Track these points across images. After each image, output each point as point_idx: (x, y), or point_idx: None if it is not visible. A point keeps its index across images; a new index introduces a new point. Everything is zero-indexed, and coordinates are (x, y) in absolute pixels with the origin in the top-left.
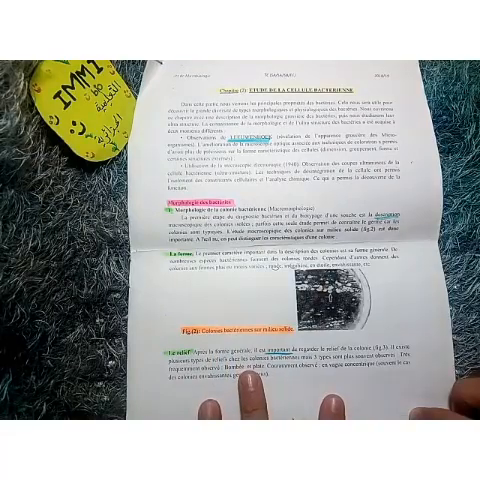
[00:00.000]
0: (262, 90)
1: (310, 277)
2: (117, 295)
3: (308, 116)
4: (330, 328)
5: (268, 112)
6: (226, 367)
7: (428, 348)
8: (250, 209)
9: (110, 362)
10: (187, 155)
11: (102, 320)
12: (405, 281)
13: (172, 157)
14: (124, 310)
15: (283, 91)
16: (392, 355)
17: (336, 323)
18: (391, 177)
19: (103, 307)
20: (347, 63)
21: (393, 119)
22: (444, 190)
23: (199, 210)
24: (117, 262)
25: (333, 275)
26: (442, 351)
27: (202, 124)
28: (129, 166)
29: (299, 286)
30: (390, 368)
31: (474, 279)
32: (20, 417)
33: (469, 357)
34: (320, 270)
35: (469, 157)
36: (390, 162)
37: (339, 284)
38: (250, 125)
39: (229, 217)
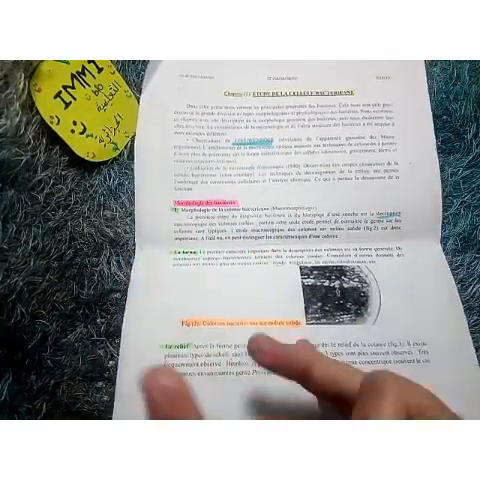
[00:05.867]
0: (265, 94)
1: (315, 272)
2: (118, 295)
3: (309, 119)
4: (340, 323)
5: (271, 116)
6: (228, 364)
7: (447, 345)
8: (253, 209)
9: (110, 362)
10: (193, 157)
11: (103, 320)
12: (413, 278)
13: (179, 159)
14: (125, 310)
15: (285, 94)
16: (410, 352)
17: (346, 317)
18: (390, 177)
19: (104, 307)
20: (348, 66)
21: (392, 121)
22: (444, 191)
23: (204, 210)
24: (118, 262)
25: (339, 271)
26: (462, 348)
27: (207, 127)
28: (136, 166)
29: (305, 280)
30: (409, 366)
31: (475, 280)
32: (20, 417)
33: None
34: (326, 267)
35: (469, 157)
36: (389, 163)
37: (346, 279)
38: (253, 128)
39: (233, 217)
